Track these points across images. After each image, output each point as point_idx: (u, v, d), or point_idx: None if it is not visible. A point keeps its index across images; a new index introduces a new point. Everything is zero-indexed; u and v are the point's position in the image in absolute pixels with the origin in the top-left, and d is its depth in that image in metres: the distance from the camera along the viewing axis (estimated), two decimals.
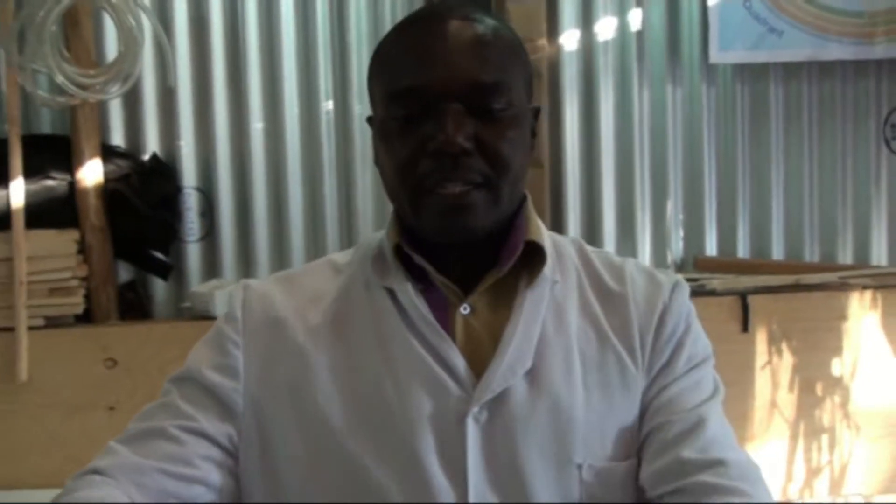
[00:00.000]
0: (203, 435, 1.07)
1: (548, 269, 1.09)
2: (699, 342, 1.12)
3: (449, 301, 1.08)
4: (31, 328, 2.30)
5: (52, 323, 2.35)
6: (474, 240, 1.07)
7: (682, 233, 2.52)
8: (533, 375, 1.05)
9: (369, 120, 1.14)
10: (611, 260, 1.17)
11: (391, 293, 1.09)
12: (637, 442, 1.07)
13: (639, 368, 1.09)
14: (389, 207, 1.12)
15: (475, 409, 1.02)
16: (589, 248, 1.19)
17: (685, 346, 1.10)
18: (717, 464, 1.00)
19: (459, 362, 1.04)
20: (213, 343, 1.13)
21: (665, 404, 1.07)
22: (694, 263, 2.49)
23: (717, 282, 2.34)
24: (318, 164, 2.52)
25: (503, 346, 1.04)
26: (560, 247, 1.16)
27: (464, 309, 1.07)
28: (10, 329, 2.31)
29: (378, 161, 1.11)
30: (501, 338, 1.05)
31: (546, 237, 1.13)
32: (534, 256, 1.10)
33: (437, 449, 1.02)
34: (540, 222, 1.14)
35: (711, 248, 2.51)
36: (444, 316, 1.07)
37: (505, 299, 1.08)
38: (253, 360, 1.11)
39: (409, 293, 1.07)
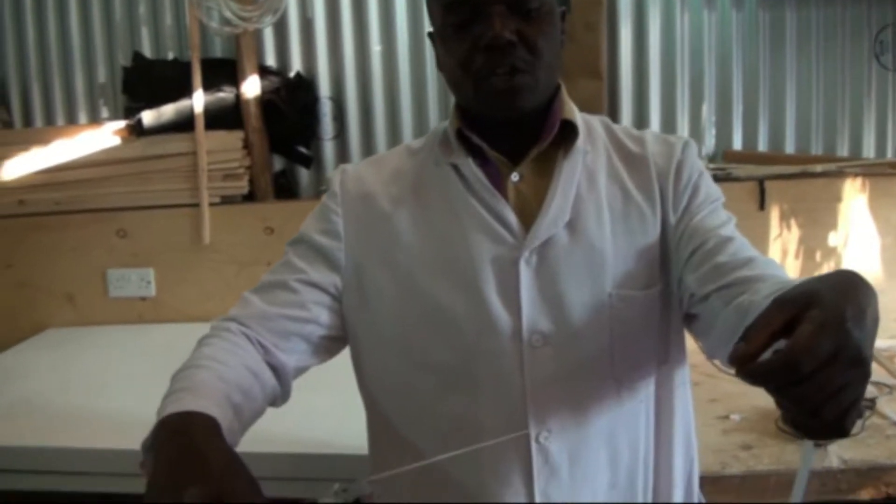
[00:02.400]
0: (314, 285, 1.12)
1: (580, 142, 1.10)
2: (712, 186, 1.13)
3: (501, 172, 1.10)
4: (210, 204, 2.45)
5: (226, 201, 2.48)
6: (521, 117, 1.08)
7: (713, 131, 2.50)
8: (571, 226, 1.07)
9: (430, 35, 1.15)
10: (631, 131, 1.17)
11: (455, 168, 1.11)
12: (656, 274, 1.08)
13: (657, 216, 1.09)
14: None
15: (526, 254, 1.05)
16: (613, 124, 1.19)
17: (700, 189, 1.11)
18: (748, 261, 0.99)
19: (512, 218, 1.07)
20: (319, 214, 1.16)
21: (694, 231, 1.06)
22: (723, 156, 2.48)
23: (740, 170, 2.35)
24: (423, 76, 2.55)
25: (546, 204, 1.06)
26: (590, 124, 1.16)
27: (514, 177, 1.09)
28: (196, 205, 2.45)
29: (440, 65, 1.12)
30: (545, 198, 1.07)
31: (578, 117, 1.13)
32: (569, 132, 1.11)
33: (496, 286, 1.06)
34: (573, 105, 1.14)
35: (737, 143, 2.50)
36: (498, 184, 1.09)
37: (546, 168, 1.09)
38: (350, 225, 1.14)
39: (469, 166, 1.10)
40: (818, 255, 2.34)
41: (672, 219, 1.10)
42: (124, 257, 2.55)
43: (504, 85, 1.03)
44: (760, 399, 1.71)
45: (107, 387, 2.02)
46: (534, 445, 1.06)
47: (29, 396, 1.99)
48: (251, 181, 2.51)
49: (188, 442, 0.82)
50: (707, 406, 1.78)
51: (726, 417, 1.72)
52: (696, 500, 1.20)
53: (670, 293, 1.10)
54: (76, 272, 2.57)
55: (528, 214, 1.08)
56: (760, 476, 1.49)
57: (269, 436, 1.42)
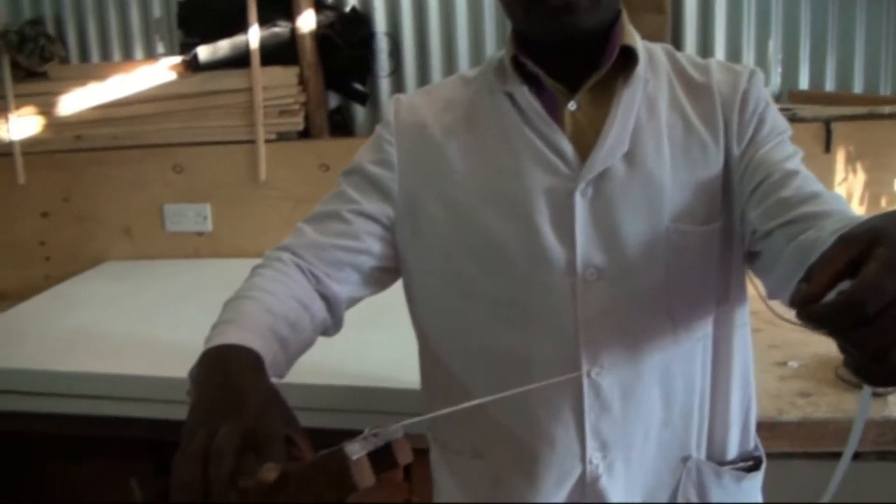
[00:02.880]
0: (367, 215, 1.12)
1: (641, 69, 1.07)
2: (778, 118, 1.09)
3: (558, 100, 1.07)
4: (266, 141, 2.45)
5: (282, 137, 2.47)
6: (578, 37, 1.04)
7: (780, 69, 2.44)
8: (629, 157, 1.04)
9: None
10: (695, 59, 1.13)
11: (510, 96, 1.08)
12: (717, 209, 1.05)
13: (720, 147, 1.06)
14: None
15: (582, 186, 1.03)
16: (677, 52, 1.15)
17: (766, 120, 1.07)
18: (813, 196, 0.96)
19: (568, 149, 1.04)
20: (372, 145, 1.15)
21: (760, 163, 1.03)
22: (788, 96, 2.42)
23: (806, 111, 2.29)
24: (480, 10, 2.50)
25: (604, 134, 1.03)
26: (652, 51, 1.13)
27: (571, 106, 1.06)
28: (252, 142, 2.46)
29: None
30: (602, 128, 1.04)
31: (639, 43, 1.09)
32: (629, 59, 1.07)
33: (551, 218, 1.04)
34: (633, 30, 1.10)
35: (804, 83, 2.44)
36: (554, 113, 1.06)
37: (605, 97, 1.06)
38: (404, 154, 1.13)
39: (524, 95, 1.06)
40: (883, 202, 2.29)
41: (736, 151, 1.06)
42: (181, 192, 2.58)
43: (560, 4, 1.00)
44: (820, 347, 1.75)
45: (163, 318, 2.07)
46: (585, 381, 1.06)
47: (87, 325, 2.04)
48: (306, 118, 2.49)
49: (227, 376, 0.84)
50: (765, 352, 1.76)
51: (784, 364, 1.71)
52: (752, 444, 1.19)
53: (731, 229, 1.07)
54: (133, 206, 2.61)
55: (585, 145, 1.05)
56: (817, 423, 1.48)
57: (323, 368, 1.47)
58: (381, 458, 0.74)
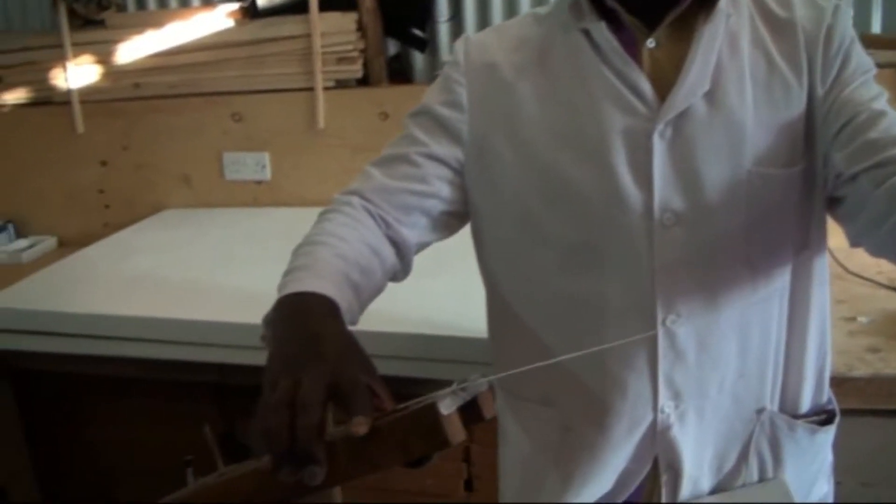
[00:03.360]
0: (436, 158, 1.10)
1: (722, 3, 1.02)
2: (863, 56, 1.04)
3: (636, 37, 1.03)
4: (325, 88, 2.44)
5: (340, 84, 2.47)
6: None
7: (851, 12, 2.36)
8: (710, 96, 1.00)
9: None
10: None
11: (586, 33, 1.04)
12: (799, 152, 1.02)
13: (803, 87, 1.02)
14: None
15: (660, 126, 0.99)
16: None
17: (852, 58, 1.02)
18: None
19: (646, 87, 1.00)
20: (441, 85, 1.13)
21: (845, 103, 0.99)
22: (861, 39, 2.34)
23: (879, 56, 2.09)
24: None
25: (684, 72, 0.99)
26: None
27: (650, 43, 1.02)
28: (310, 89, 2.45)
29: None
30: (682, 66, 1.00)
31: None
32: None
33: (628, 159, 1.01)
34: None
35: (876, 27, 2.35)
36: (632, 50, 1.02)
37: (685, 33, 1.02)
38: (474, 95, 1.10)
39: (601, 31, 1.02)
40: None
41: (820, 90, 1.02)
42: (239, 140, 2.58)
43: None
44: (889, 302, 1.73)
45: (223, 265, 2.09)
46: (660, 329, 1.04)
47: (148, 272, 2.07)
48: (365, 65, 2.48)
49: (305, 324, 0.83)
50: (833, 307, 1.71)
51: (853, 319, 1.67)
52: (825, 398, 1.17)
53: (814, 173, 1.03)
54: (192, 155, 2.63)
55: (664, 84, 1.01)
56: (887, 379, 1.45)
57: (388, 315, 1.47)
58: (469, 411, 0.73)
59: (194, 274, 2.02)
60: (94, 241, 2.43)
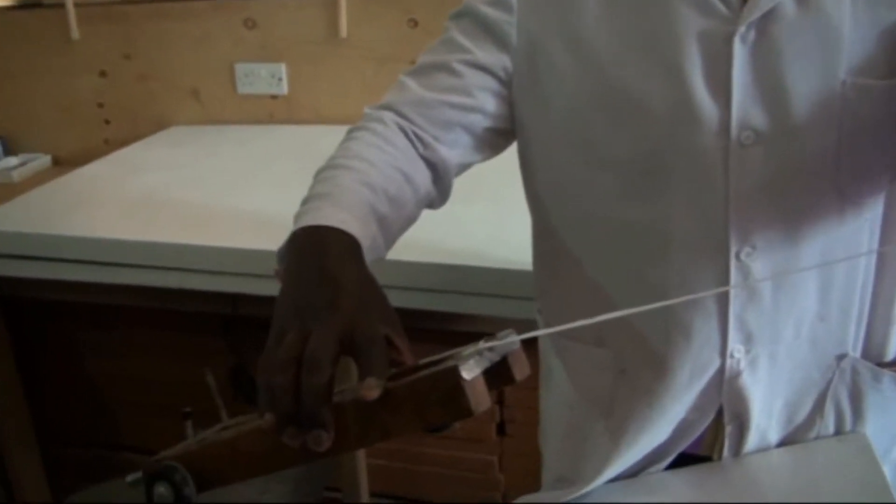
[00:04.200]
0: (480, 67, 1.06)
1: None
2: None
3: None
4: None
5: None
6: None
7: None
8: None
9: None
10: None
11: None
12: None
13: None
14: None
15: (742, 29, 0.94)
16: None
17: None
18: None
19: None
20: None
21: None
22: None
23: None
24: None
25: None
26: None
27: None
28: None
29: None
30: None
31: None
32: None
33: (703, 67, 0.96)
34: None
35: None
36: None
37: None
38: None
39: None
40: None
41: None
42: (253, 50, 2.56)
43: None
44: None
45: (236, 187, 2.08)
46: (733, 263, 1.00)
47: (152, 193, 2.07)
48: None
49: (320, 265, 0.81)
50: None
51: None
52: None
53: None
54: (201, 65, 2.61)
55: None
56: None
57: (419, 243, 1.45)
58: (496, 373, 0.72)
59: (203, 196, 2.01)
60: (93, 159, 2.43)
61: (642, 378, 1.09)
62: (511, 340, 0.73)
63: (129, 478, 0.84)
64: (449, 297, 1.59)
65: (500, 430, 1.86)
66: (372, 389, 0.69)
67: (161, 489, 0.80)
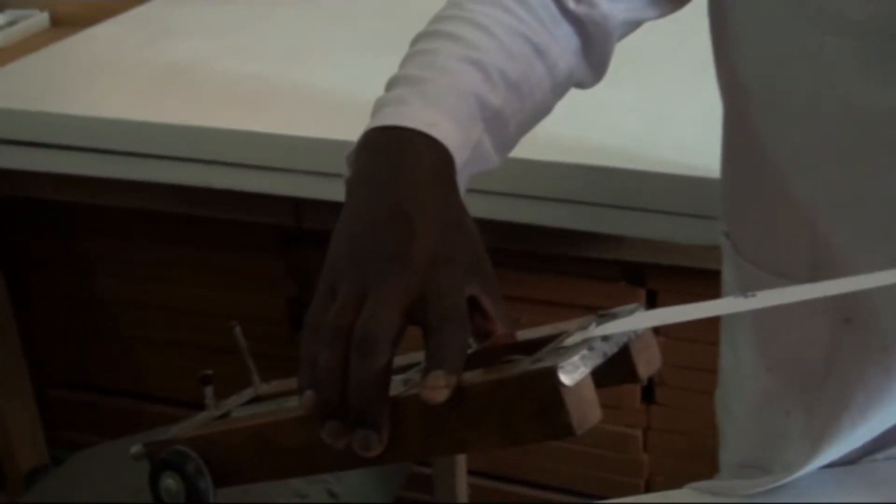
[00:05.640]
0: None
1: None
2: None
3: None
4: None
5: None
6: None
7: None
8: None
9: None
10: None
11: None
12: None
13: None
14: None
15: None
16: None
17: None
18: None
19: None
20: None
21: None
22: None
23: None
24: None
25: None
26: None
27: None
28: None
29: None
30: None
31: None
32: None
33: None
34: None
35: None
36: None
37: None
38: None
39: None
40: None
41: None
42: None
43: None
44: None
45: (297, 57, 2.08)
46: None
47: (185, 63, 2.07)
48: None
49: (394, 188, 0.79)
50: None
51: None
52: None
53: None
54: None
55: None
56: None
57: (547, 138, 1.40)
58: (613, 369, 0.68)
59: (254, 68, 2.00)
60: (104, 19, 2.43)
61: (876, 330, 1.05)
62: (635, 317, 0.69)
63: (134, 450, 0.84)
64: (587, 211, 1.56)
65: (647, 395, 1.84)
66: (434, 391, 0.66)
67: (169, 481, 0.79)
